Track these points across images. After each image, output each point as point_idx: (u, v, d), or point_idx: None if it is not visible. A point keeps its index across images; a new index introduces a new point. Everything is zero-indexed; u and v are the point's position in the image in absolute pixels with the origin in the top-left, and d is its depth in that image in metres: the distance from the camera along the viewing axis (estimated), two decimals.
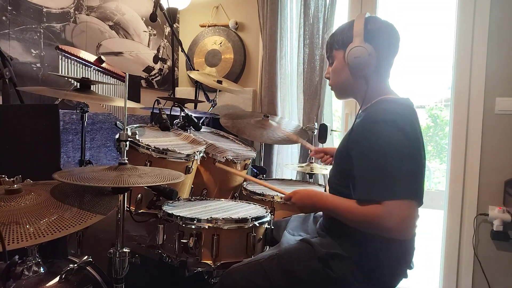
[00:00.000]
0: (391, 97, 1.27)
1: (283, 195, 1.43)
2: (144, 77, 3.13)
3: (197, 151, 1.82)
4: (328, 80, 1.40)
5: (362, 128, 1.17)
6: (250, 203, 1.80)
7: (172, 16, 2.89)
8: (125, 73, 1.35)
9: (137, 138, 1.49)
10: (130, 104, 1.80)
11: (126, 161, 1.28)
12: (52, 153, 1.49)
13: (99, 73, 2.22)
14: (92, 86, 1.79)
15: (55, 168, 1.39)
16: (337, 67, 1.33)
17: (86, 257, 1.30)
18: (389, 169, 1.09)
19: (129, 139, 1.27)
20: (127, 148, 1.28)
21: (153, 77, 3.20)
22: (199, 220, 1.43)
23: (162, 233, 1.50)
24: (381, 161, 1.10)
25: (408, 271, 1.28)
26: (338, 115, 2.95)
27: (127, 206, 1.65)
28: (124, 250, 1.24)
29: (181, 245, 1.40)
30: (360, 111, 1.30)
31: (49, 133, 1.48)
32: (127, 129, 1.26)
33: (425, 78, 6.02)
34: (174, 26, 3.24)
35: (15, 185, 1.06)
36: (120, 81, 2.33)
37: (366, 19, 1.25)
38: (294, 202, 1.33)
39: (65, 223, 1.01)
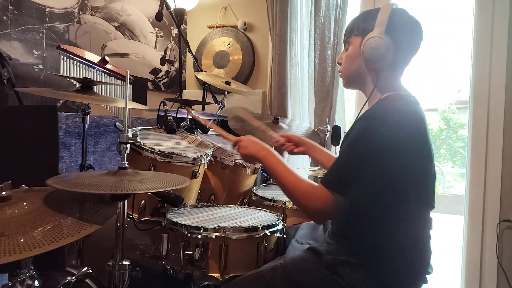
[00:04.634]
0: (399, 93, 1.20)
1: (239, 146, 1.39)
2: (151, 79, 3.06)
3: (204, 155, 1.73)
4: (339, 78, 1.33)
5: (361, 123, 1.12)
6: (260, 209, 1.70)
7: (179, 17, 2.83)
8: (127, 72, 1.27)
9: (139, 140, 1.39)
10: (134, 105, 1.72)
11: (126, 165, 1.19)
12: (50, 156, 1.40)
13: (104, 74, 2.14)
14: (95, 87, 1.71)
15: (52, 173, 1.31)
16: (351, 54, 1.25)
17: (85, 268, 1.23)
18: (346, 163, 1.10)
19: (130, 141, 1.18)
20: (128, 151, 1.19)
21: (160, 79, 3.13)
22: (205, 229, 1.33)
23: (166, 243, 1.40)
24: (348, 152, 1.11)
25: (429, 277, 1.20)
26: (347, 118, 2.84)
27: (129, 213, 1.56)
28: (124, 262, 1.15)
29: (186, 256, 1.31)
30: (366, 106, 1.23)
31: (47, 135, 1.39)
32: (128, 130, 1.17)
33: (438, 81, 5.91)
34: (182, 27, 3.17)
35: (3, 192, 0.97)
36: (125, 83, 2.25)
37: (393, 11, 1.17)
38: (240, 143, 1.32)
39: (60, 233, 0.92)
